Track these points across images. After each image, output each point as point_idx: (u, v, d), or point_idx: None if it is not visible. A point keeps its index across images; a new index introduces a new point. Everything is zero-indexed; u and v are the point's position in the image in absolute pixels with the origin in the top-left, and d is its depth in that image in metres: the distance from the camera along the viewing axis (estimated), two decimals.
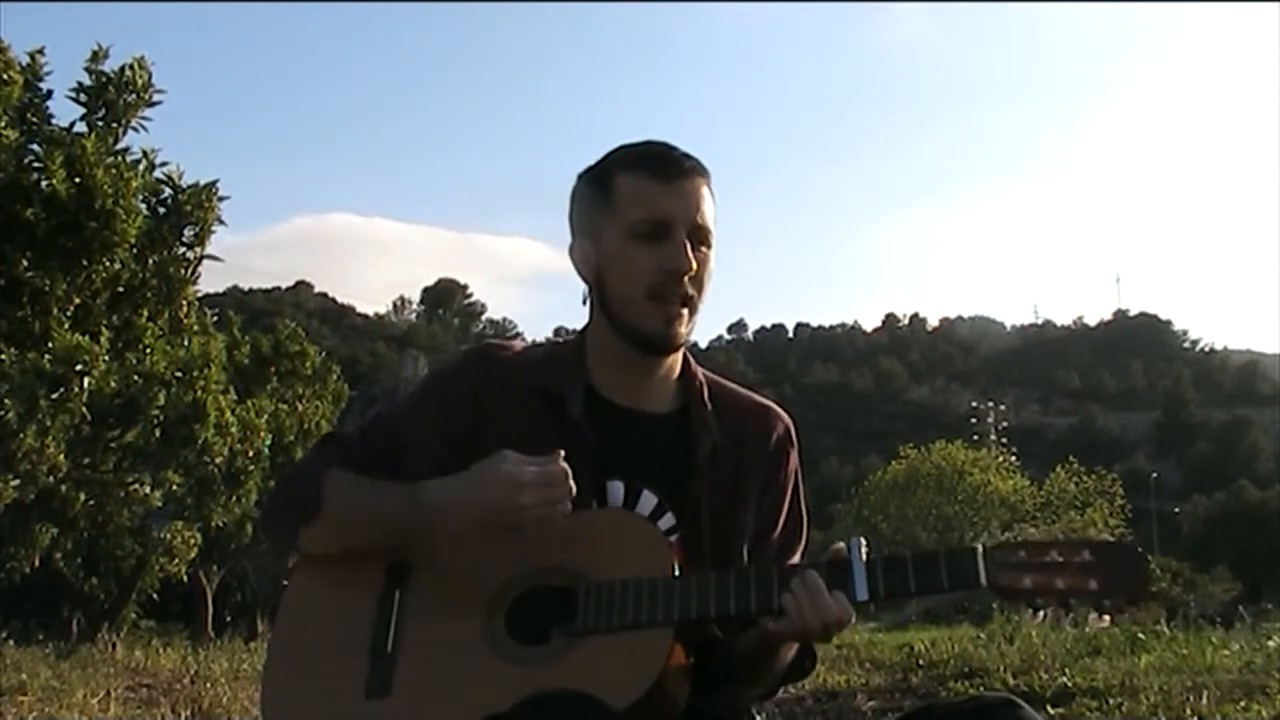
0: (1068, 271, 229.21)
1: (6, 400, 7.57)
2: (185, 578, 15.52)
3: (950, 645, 9.85)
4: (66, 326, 8.23)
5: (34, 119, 8.66)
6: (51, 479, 8.63)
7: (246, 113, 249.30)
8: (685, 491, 1.73)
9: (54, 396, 7.82)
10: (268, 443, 11.86)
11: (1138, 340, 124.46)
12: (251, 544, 16.04)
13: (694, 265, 1.68)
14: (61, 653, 10.65)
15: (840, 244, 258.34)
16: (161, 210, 8.92)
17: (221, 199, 8.99)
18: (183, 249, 9.05)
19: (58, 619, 18.00)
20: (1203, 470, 77.35)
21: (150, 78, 8.70)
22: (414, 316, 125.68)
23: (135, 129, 8.71)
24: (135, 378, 8.64)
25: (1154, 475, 65.19)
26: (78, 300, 8.59)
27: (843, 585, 1.54)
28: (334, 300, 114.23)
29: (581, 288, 1.79)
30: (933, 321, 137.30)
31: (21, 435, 7.70)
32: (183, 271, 9.13)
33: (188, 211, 8.88)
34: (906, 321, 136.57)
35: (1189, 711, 5.43)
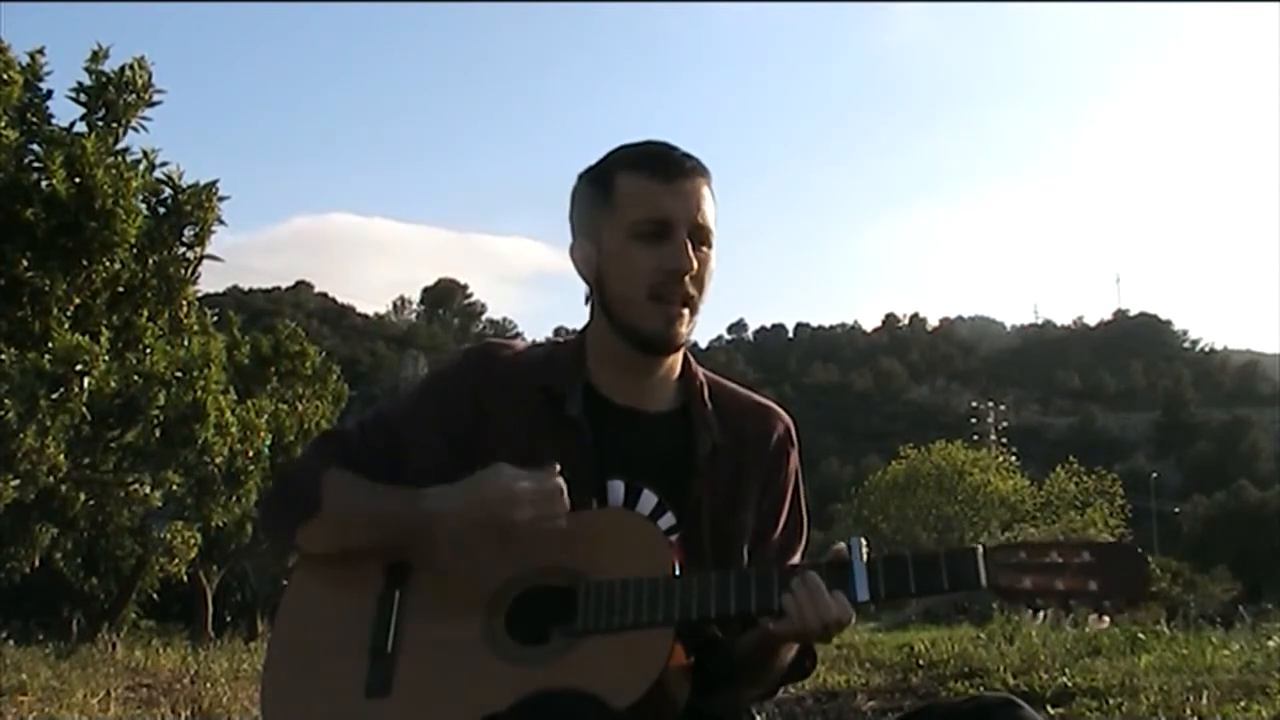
0: (1068, 271, 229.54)
1: (6, 400, 7.57)
2: (185, 578, 15.52)
3: (950, 645, 9.85)
4: (66, 326, 8.23)
5: (34, 119, 8.66)
6: (51, 479, 8.63)
7: (246, 113, 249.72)
8: (685, 491, 1.73)
9: (54, 396, 7.82)
10: (268, 443, 11.86)
11: (1138, 340, 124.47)
12: (251, 544, 16.04)
13: (695, 265, 1.67)
14: (61, 653, 10.65)
15: (840, 244, 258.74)
16: (161, 210, 8.92)
17: (221, 199, 9.00)
18: (183, 249, 9.06)
19: (58, 619, 18.00)
20: (1203, 470, 77.34)
21: (150, 78, 8.70)
22: (414, 316, 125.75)
23: (135, 129, 8.72)
24: (135, 378, 8.64)
25: (1154, 475, 65.20)
26: (78, 300, 8.59)
27: (843, 586, 1.54)
28: (334, 300, 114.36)
29: (584, 287, 1.79)
30: (933, 321, 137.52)
31: (21, 435, 7.70)
32: (183, 271, 9.13)
33: (188, 211, 8.88)
34: (906, 321, 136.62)
35: (1189, 711, 5.43)
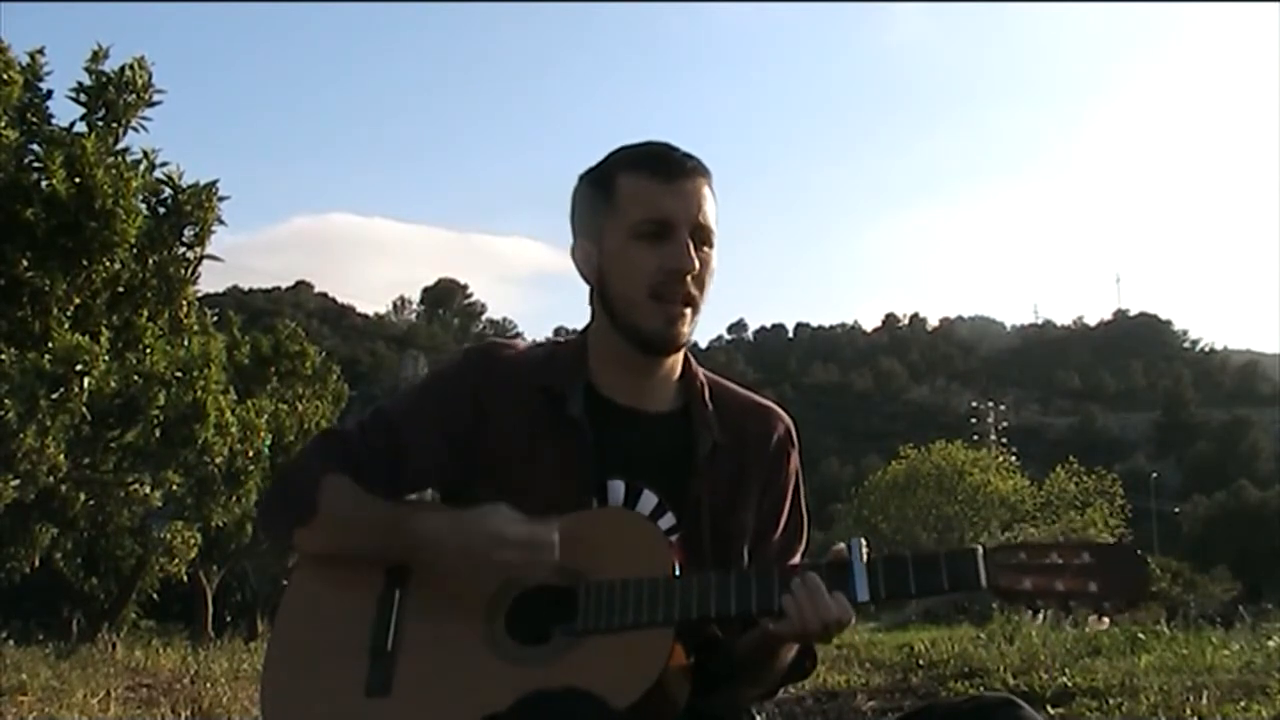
0: (1068, 271, 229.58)
1: (6, 400, 7.57)
2: (185, 578, 15.51)
3: (950, 645, 9.85)
4: (66, 326, 8.23)
5: (34, 119, 8.66)
6: (51, 479, 8.62)
7: (246, 113, 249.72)
8: (685, 491, 1.73)
9: (54, 396, 7.82)
10: (268, 443, 11.85)
11: (1138, 340, 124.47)
12: (251, 544, 16.04)
13: (696, 265, 1.68)
14: (61, 653, 10.65)
15: (840, 244, 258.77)
16: (161, 210, 8.91)
17: (221, 199, 8.99)
18: (183, 249, 9.05)
19: (58, 619, 18.00)
20: (1203, 470, 77.34)
21: (150, 78, 8.69)
22: (414, 316, 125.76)
23: (135, 129, 8.71)
24: (135, 378, 8.64)
25: (1154, 475, 65.20)
26: (78, 300, 8.58)
27: (843, 586, 1.54)
28: (334, 300, 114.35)
29: (585, 288, 1.79)
30: (933, 321, 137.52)
31: (21, 435, 7.70)
32: (183, 271, 9.12)
33: (188, 211, 8.88)
34: (906, 321, 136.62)
35: (1189, 711, 5.43)
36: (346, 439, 1.75)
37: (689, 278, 1.67)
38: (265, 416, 12.21)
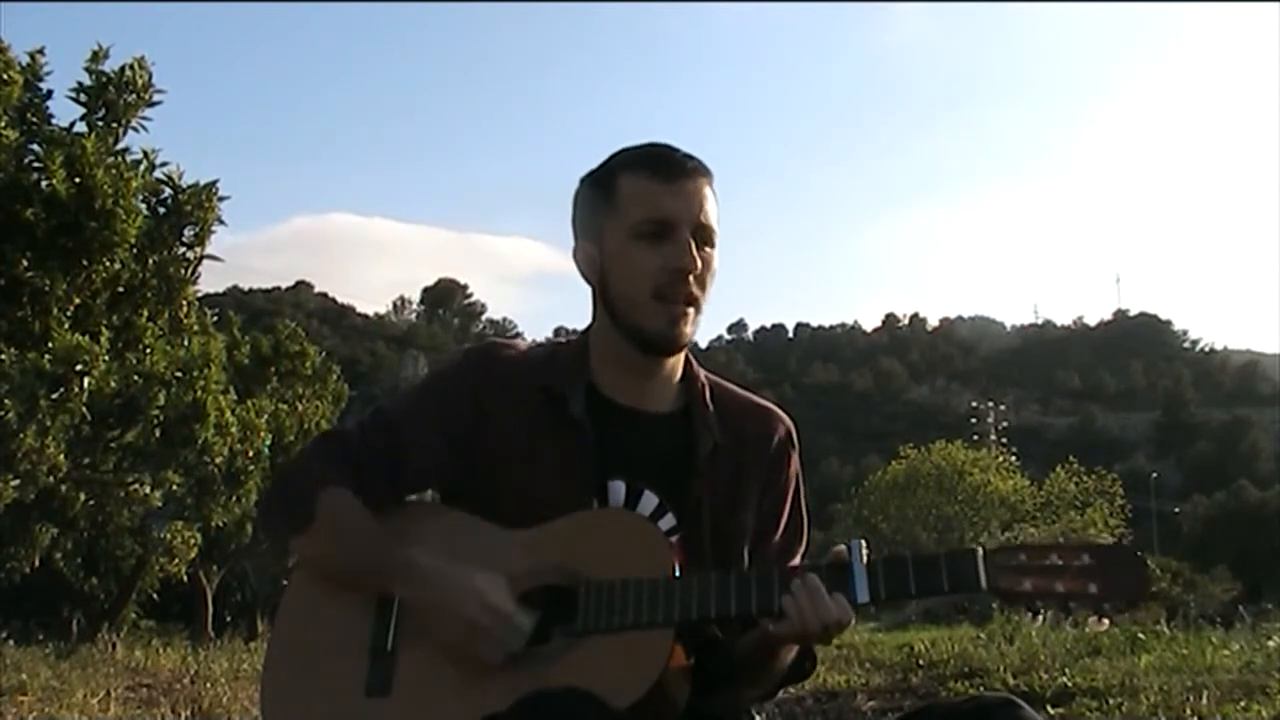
0: (1068, 271, 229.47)
1: (6, 400, 7.57)
2: (185, 578, 15.51)
3: (950, 645, 9.86)
4: (66, 326, 8.23)
5: (34, 119, 8.66)
6: (51, 479, 8.62)
7: (246, 113, 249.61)
8: (686, 491, 1.73)
9: (54, 396, 7.82)
10: (268, 443, 11.86)
11: (1138, 340, 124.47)
12: (251, 544, 16.04)
13: (699, 264, 1.68)
14: (61, 653, 10.65)
15: (840, 244, 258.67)
16: (161, 210, 8.92)
17: (221, 199, 8.99)
18: (183, 249, 9.05)
19: (58, 619, 18.00)
20: (1203, 470, 77.34)
21: (150, 78, 8.70)
22: (414, 316, 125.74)
23: (135, 129, 8.71)
24: (135, 378, 8.64)
25: (1154, 475, 65.21)
26: (78, 300, 8.59)
27: (843, 587, 1.54)
28: (334, 300, 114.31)
29: (586, 288, 1.79)
30: (933, 321, 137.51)
31: (21, 435, 7.70)
32: (183, 271, 9.13)
33: (188, 211, 8.88)
34: (906, 321, 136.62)
35: (1189, 711, 5.44)
36: (347, 440, 1.75)
37: (691, 277, 1.68)
38: (265, 416, 12.21)
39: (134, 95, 8.58)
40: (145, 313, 9.09)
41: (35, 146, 8.46)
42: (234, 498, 11.94)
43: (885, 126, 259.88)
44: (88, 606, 17.34)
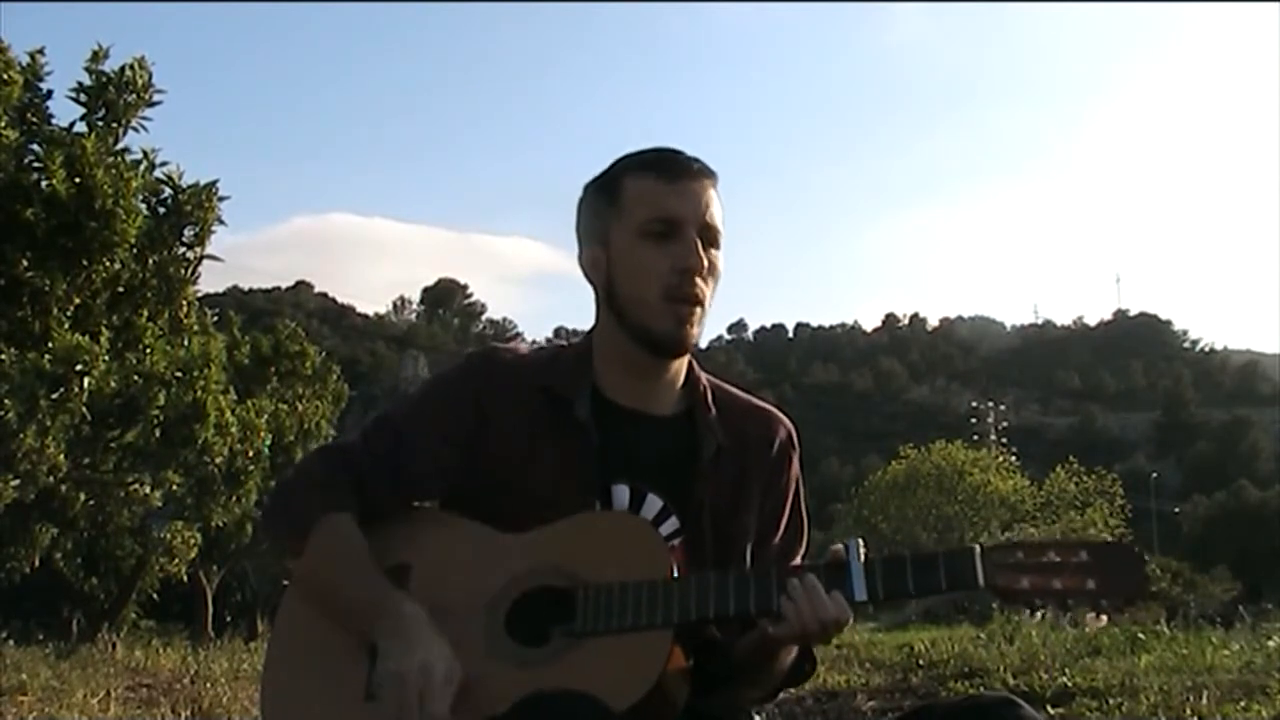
0: (1068, 271, 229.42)
1: (6, 400, 7.58)
2: (185, 578, 15.53)
3: (950, 645, 9.87)
4: (66, 326, 8.24)
5: (34, 119, 8.67)
6: (51, 479, 8.63)
7: (246, 113, 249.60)
8: (689, 494, 1.73)
9: (54, 396, 7.83)
10: (268, 443, 11.87)
11: (1138, 340, 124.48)
12: (251, 544, 16.05)
13: (705, 263, 1.68)
14: (61, 653, 10.66)
15: (840, 244, 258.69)
16: (161, 210, 8.93)
17: (221, 199, 9.01)
18: (183, 249, 9.06)
19: (58, 619, 18.01)
20: (1203, 470, 77.35)
21: (150, 78, 8.71)
22: (414, 316, 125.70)
23: (135, 129, 8.73)
24: (135, 378, 8.64)
25: (1154, 475, 65.20)
26: (78, 300, 8.59)
27: (841, 586, 1.54)
28: (334, 300, 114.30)
29: (587, 289, 1.79)
30: (933, 321, 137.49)
31: (21, 435, 7.71)
32: (183, 271, 9.13)
33: (188, 211, 8.89)
34: (906, 321, 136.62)
35: (1189, 711, 5.44)
36: (348, 452, 1.75)
37: (698, 278, 1.68)
38: (265, 416, 12.22)
39: (134, 95, 8.59)
40: (145, 313, 9.10)
41: (35, 146, 8.47)
42: (234, 498, 11.95)
43: (885, 126, 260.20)
44: (88, 606, 17.35)
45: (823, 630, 1.53)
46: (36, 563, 12.69)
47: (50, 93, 8.78)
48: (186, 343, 9.57)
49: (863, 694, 7.32)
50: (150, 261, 8.91)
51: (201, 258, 9.20)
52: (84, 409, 8.09)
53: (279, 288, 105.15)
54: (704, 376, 1.82)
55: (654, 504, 1.72)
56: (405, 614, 1.56)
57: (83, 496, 10.02)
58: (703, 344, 1.77)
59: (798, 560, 1.81)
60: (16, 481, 8.03)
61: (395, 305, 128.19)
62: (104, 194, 8.19)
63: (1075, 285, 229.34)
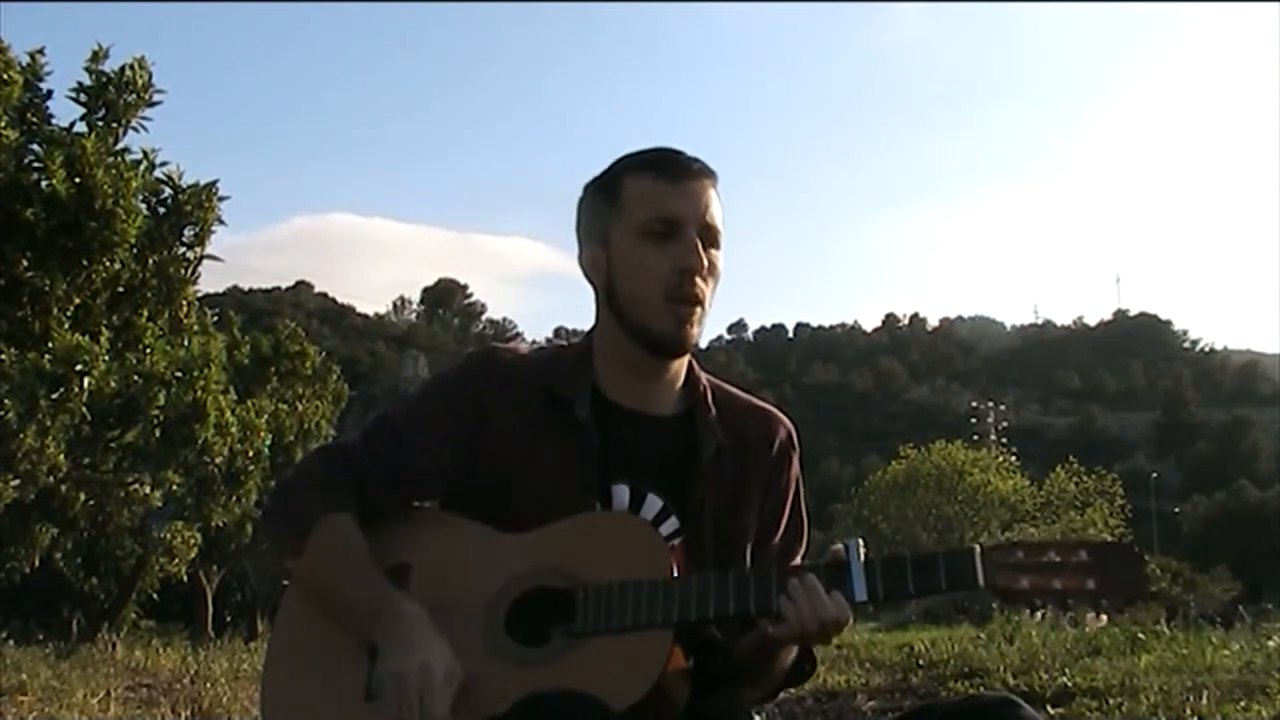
0: (1068, 271, 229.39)
1: (6, 400, 7.58)
2: (185, 578, 15.53)
3: (950, 645, 9.87)
4: (66, 326, 8.24)
5: (34, 119, 8.67)
6: (51, 479, 8.63)
7: (246, 113, 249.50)
8: (689, 494, 1.73)
9: (54, 396, 7.83)
10: (268, 443, 11.87)
11: (1138, 340, 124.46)
12: (251, 544, 16.05)
13: (706, 262, 1.68)
14: (61, 653, 10.66)
15: (840, 244, 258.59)
16: (161, 210, 8.93)
17: (221, 199, 9.01)
18: (183, 249, 9.06)
19: (58, 619, 18.02)
20: (1203, 470, 77.34)
21: (150, 78, 8.71)
22: (414, 316, 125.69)
23: (135, 129, 8.73)
24: (135, 378, 8.64)
25: (1154, 475, 65.21)
26: (78, 300, 8.60)
27: (841, 586, 1.54)
28: (334, 300, 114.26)
29: (588, 288, 1.79)
30: (933, 321, 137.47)
31: (21, 435, 7.71)
32: (183, 271, 9.14)
33: (188, 211, 8.89)
34: (906, 321, 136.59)
35: (1189, 711, 5.44)
36: (348, 452, 1.75)
37: (699, 278, 1.68)
38: (265, 416, 12.22)
39: (134, 95, 8.59)
40: (145, 313, 9.10)
41: (35, 146, 8.47)
42: (234, 498, 11.96)
43: (885, 126, 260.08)
44: (88, 606, 17.35)
45: (822, 630, 1.53)
46: (36, 563, 12.69)
47: (50, 93, 8.79)
48: (186, 343, 9.58)
49: (863, 694, 7.32)
50: (150, 261, 8.91)
51: (201, 258, 9.20)
52: (84, 409, 8.10)
53: (279, 288, 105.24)
54: (704, 376, 1.82)
55: (654, 504, 1.72)
56: (405, 614, 1.56)
57: (83, 496, 10.02)
58: (703, 344, 1.77)
59: (798, 560, 1.81)
60: (16, 481, 8.03)
61: (395, 305, 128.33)
62: (104, 194, 8.19)
63: (1075, 285, 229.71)
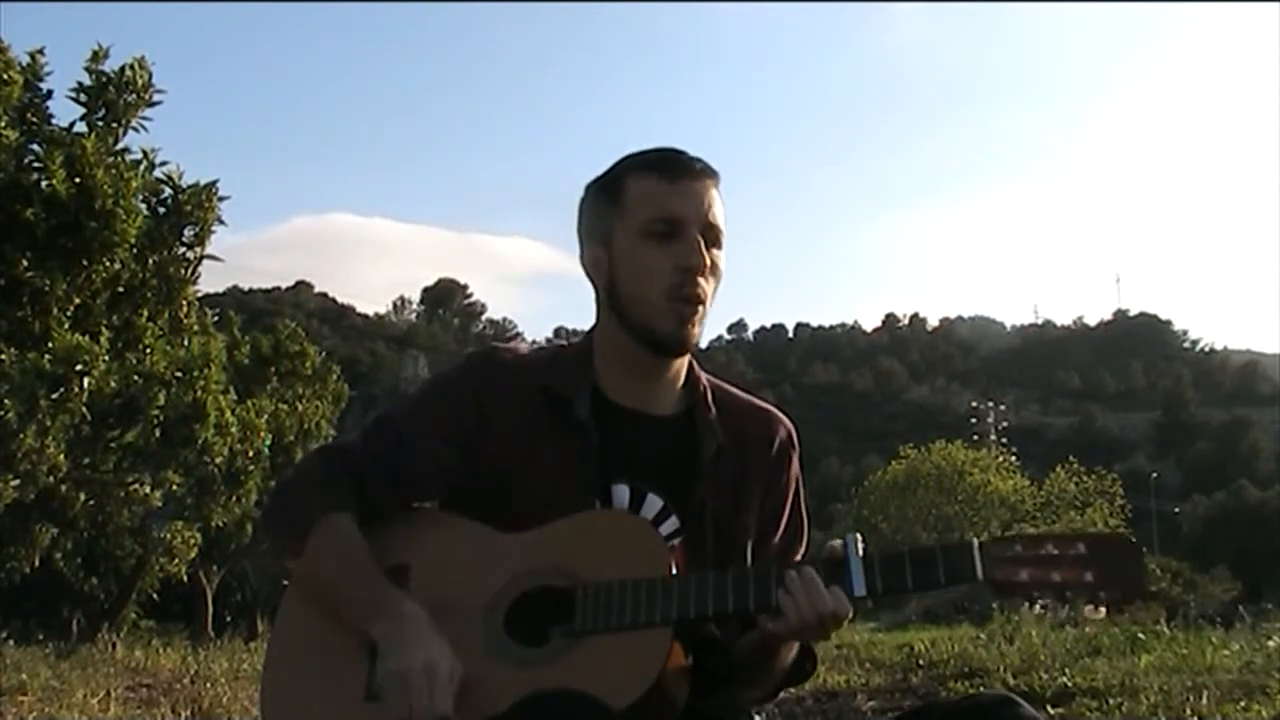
0: (1068, 271, 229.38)
1: (6, 400, 7.58)
2: (185, 578, 15.53)
3: (950, 645, 9.87)
4: (66, 326, 8.24)
5: (34, 119, 8.67)
6: (51, 479, 8.63)
7: (246, 113, 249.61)
8: (689, 494, 1.73)
9: (54, 396, 7.83)
10: (268, 443, 11.87)
11: (1138, 340, 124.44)
12: (251, 544, 16.05)
13: (708, 261, 1.68)
14: (61, 653, 10.67)
15: (840, 244, 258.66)
16: (161, 210, 8.93)
17: (221, 199, 9.01)
18: (183, 249, 9.06)
19: (58, 619, 18.02)
20: (1203, 470, 77.32)
21: (150, 78, 8.71)
22: (414, 316, 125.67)
23: (135, 129, 8.72)
24: (135, 378, 8.64)
25: (1154, 475, 65.21)
26: (78, 300, 8.59)
27: (840, 581, 1.54)
28: (334, 300, 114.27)
29: (588, 288, 1.79)
30: (933, 321, 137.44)
31: (21, 435, 7.71)
32: (183, 271, 9.13)
33: (188, 211, 8.89)
34: (906, 321, 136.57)
35: (1189, 711, 5.44)
36: (348, 452, 1.75)
37: (701, 277, 1.68)
38: (265, 416, 12.22)
39: (134, 95, 8.59)
40: (145, 313, 9.10)
41: (35, 146, 8.47)
42: (234, 498, 11.95)
43: (885, 126, 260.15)
44: (88, 606, 17.35)
45: (822, 625, 1.53)
46: (36, 563, 12.69)
47: (50, 93, 8.79)
48: (186, 343, 9.57)
49: (863, 694, 7.32)
50: (150, 261, 8.91)
51: (201, 258, 9.20)
52: (84, 409, 8.10)
53: (279, 288, 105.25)
54: (704, 376, 1.82)
55: (654, 504, 1.72)
56: (405, 614, 1.56)
57: (83, 496, 10.02)
58: (703, 344, 1.77)
59: (797, 559, 1.81)
60: (16, 481, 8.03)
61: (395, 305, 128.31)
62: (104, 194, 8.19)
63: (1075, 285, 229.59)
